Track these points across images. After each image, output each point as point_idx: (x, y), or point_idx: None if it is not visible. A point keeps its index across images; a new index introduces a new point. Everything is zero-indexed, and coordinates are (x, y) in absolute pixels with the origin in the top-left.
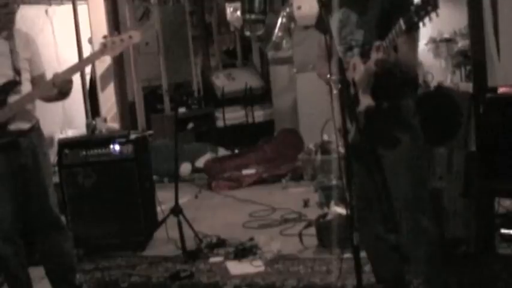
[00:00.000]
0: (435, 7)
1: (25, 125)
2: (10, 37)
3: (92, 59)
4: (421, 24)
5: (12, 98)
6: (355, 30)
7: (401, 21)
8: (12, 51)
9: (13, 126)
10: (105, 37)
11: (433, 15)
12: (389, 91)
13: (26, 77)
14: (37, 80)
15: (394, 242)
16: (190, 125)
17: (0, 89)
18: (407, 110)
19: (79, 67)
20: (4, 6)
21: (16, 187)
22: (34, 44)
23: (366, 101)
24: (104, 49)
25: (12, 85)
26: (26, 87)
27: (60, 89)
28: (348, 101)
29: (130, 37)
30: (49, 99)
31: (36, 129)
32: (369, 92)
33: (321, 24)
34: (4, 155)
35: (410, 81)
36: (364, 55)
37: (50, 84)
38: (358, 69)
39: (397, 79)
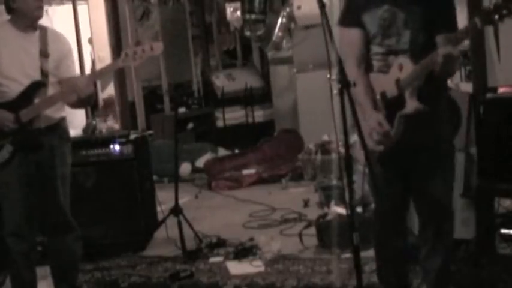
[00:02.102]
0: None
1: (47, 125)
2: (43, 35)
3: (112, 68)
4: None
5: (36, 99)
6: (402, 31)
7: (477, 19)
8: (42, 52)
9: (36, 126)
10: (130, 47)
11: None
12: (430, 93)
13: (53, 80)
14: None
15: (401, 245)
16: (190, 125)
17: (27, 89)
18: (445, 112)
19: (98, 74)
20: None
21: (31, 185)
22: (66, 45)
23: (413, 104)
24: (125, 58)
25: (38, 86)
26: (52, 89)
27: (78, 95)
28: (388, 103)
29: (152, 48)
30: (72, 105)
31: (58, 129)
32: (416, 94)
33: (348, 19)
34: (24, 153)
35: (446, 84)
36: (414, 55)
37: (72, 89)
38: (405, 70)
39: (437, 82)
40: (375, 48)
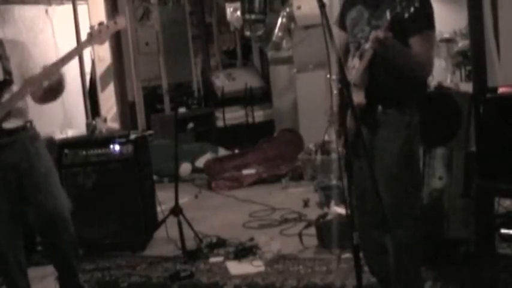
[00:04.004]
0: None
1: (17, 124)
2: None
3: (80, 49)
4: (406, 15)
5: (4, 98)
6: (365, 27)
7: (387, 12)
8: (1, 56)
9: (6, 126)
10: (91, 27)
11: (416, 4)
12: (387, 95)
13: (16, 79)
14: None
15: (384, 238)
16: (190, 125)
17: None
18: (401, 120)
19: (68, 58)
20: None
21: (10, 188)
22: (24, 48)
23: (357, 98)
24: (90, 38)
25: (4, 85)
26: (16, 87)
27: (50, 83)
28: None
29: (115, 23)
30: (43, 98)
31: (29, 128)
32: (363, 89)
33: (337, 21)
34: None
35: (415, 86)
36: (362, 54)
37: (38, 78)
38: (356, 68)
39: (399, 83)
40: (351, 47)
